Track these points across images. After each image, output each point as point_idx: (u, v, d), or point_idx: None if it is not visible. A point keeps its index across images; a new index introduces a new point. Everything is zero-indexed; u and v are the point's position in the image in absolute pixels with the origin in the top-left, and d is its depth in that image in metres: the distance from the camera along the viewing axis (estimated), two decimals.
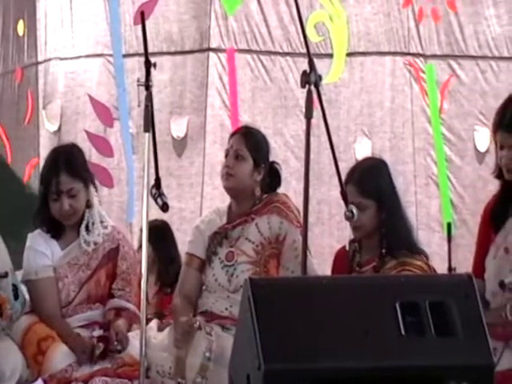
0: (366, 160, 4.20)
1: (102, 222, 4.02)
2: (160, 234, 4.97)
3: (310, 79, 3.41)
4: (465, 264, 3.86)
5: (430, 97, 6.32)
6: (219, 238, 4.02)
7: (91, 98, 6.39)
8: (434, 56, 6.33)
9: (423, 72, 6.34)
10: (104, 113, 6.39)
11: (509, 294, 3.57)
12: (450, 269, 3.56)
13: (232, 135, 4.11)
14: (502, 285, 3.10)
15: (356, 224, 3.77)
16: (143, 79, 3.50)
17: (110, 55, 6.38)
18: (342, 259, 3.93)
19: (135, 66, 6.26)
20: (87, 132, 6.38)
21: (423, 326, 2.92)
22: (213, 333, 3.71)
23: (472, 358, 2.92)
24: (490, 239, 3.71)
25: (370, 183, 3.79)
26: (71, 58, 6.47)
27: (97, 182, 4.11)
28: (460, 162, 6.28)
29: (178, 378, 3.74)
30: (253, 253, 3.95)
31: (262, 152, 4.03)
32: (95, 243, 4.00)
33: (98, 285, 3.99)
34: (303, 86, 3.43)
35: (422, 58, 6.34)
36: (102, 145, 6.38)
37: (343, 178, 3.75)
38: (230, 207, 4.10)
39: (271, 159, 4.08)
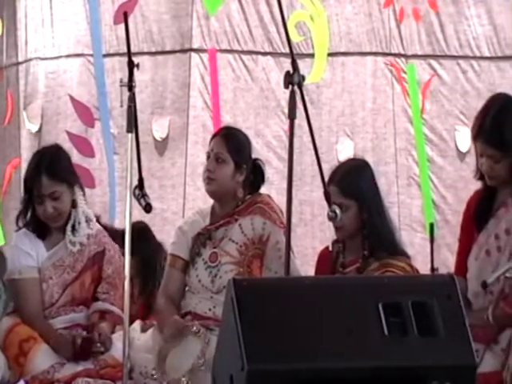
0: (349, 161, 4.22)
1: (87, 221, 4.01)
2: (139, 236, 4.95)
3: (294, 80, 3.42)
4: (447, 264, 3.88)
5: (411, 97, 6.34)
6: (203, 238, 4.02)
7: (72, 99, 6.37)
8: (416, 56, 6.35)
9: (404, 72, 6.35)
10: (85, 113, 6.37)
11: (490, 296, 3.59)
12: (432, 269, 3.58)
13: (212, 138, 4.11)
14: (484, 285, 3.12)
15: (338, 224, 3.78)
16: (125, 79, 3.49)
17: (91, 55, 6.36)
18: (325, 260, 3.94)
19: (116, 65, 6.24)
20: (68, 132, 6.35)
21: (406, 326, 2.93)
22: (207, 340, 3.70)
23: (454, 358, 2.94)
24: (472, 237, 3.72)
25: (351, 184, 3.81)
26: (52, 58, 6.45)
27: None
28: (442, 162, 6.30)
29: (158, 373, 3.74)
30: (236, 253, 3.96)
31: (244, 153, 4.03)
32: (81, 243, 3.99)
33: (83, 287, 3.98)
34: (286, 87, 3.44)
35: (403, 58, 6.36)
36: (83, 145, 6.36)
37: (326, 178, 3.75)
38: (213, 208, 4.11)
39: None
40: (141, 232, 4.84)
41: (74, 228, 3.97)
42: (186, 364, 3.70)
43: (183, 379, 3.69)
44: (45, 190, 3.93)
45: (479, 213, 3.70)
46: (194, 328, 3.75)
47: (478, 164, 3.69)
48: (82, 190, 4.05)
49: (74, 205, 3.97)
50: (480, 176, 3.71)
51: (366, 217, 3.79)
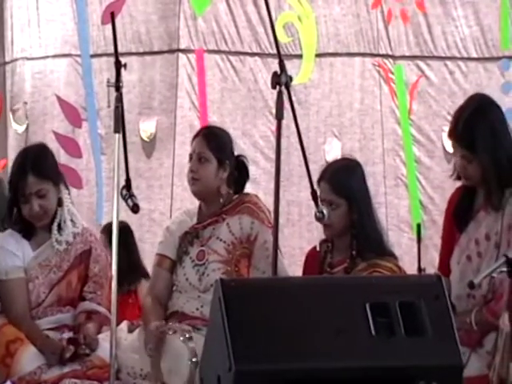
0: (341, 160, 4.23)
1: (72, 220, 4.00)
2: (123, 236, 4.94)
3: (281, 80, 3.42)
4: (434, 264, 3.88)
5: (399, 98, 6.35)
6: (190, 237, 4.02)
7: (59, 99, 6.35)
8: (403, 57, 6.36)
9: (392, 73, 6.37)
10: (72, 113, 6.35)
11: (473, 300, 3.60)
12: (419, 269, 3.58)
13: (194, 138, 4.12)
14: (471, 285, 3.12)
15: (327, 222, 3.78)
16: (112, 79, 3.48)
17: (78, 55, 6.34)
18: (313, 260, 3.94)
19: (103, 66, 6.23)
20: (55, 133, 6.33)
21: (393, 326, 2.93)
22: (197, 336, 3.68)
23: (441, 358, 2.94)
24: (454, 237, 3.73)
25: (342, 182, 3.81)
26: (38, 58, 6.43)
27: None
28: (429, 163, 6.31)
29: (157, 382, 3.73)
30: (224, 252, 3.96)
31: (225, 149, 4.04)
32: (67, 242, 3.98)
33: (69, 287, 3.96)
34: (274, 87, 3.44)
35: (390, 59, 6.37)
36: (71, 145, 6.34)
37: (313, 179, 3.75)
38: (199, 208, 4.10)
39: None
40: (123, 231, 4.84)
41: (59, 227, 3.96)
42: (180, 366, 3.68)
43: None
44: (31, 188, 3.92)
45: (459, 212, 3.71)
46: (171, 331, 3.73)
47: (454, 163, 3.71)
48: (67, 189, 4.04)
49: (59, 203, 3.96)
50: (457, 176, 3.72)
51: (355, 217, 3.79)
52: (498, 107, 3.71)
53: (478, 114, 3.63)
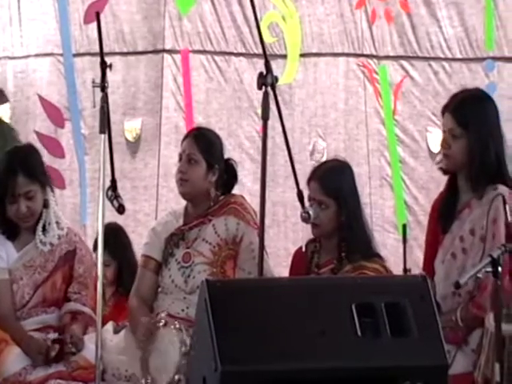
0: (331, 161, 4.24)
1: (57, 222, 3.99)
2: (116, 236, 4.94)
3: (267, 81, 3.42)
4: (420, 265, 3.89)
5: (383, 98, 6.36)
6: (176, 239, 4.02)
7: (41, 98, 6.33)
8: (388, 57, 6.37)
9: (377, 73, 6.38)
10: (55, 113, 6.33)
11: (458, 298, 3.62)
12: (405, 270, 3.59)
13: (184, 139, 4.11)
14: (457, 285, 3.13)
15: (315, 221, 3.79)
16: (96, 79, 3.47)
17: (60, 55, 6.32)
18: (300, 260, 3.94)
19: (86, 65, 6.20)
20: (37, 133, 6.31)
21: (379, 326, 2.94)
22: (182, 327, 3.69)
23: (426, 358, 2.96)
24: (438, 239, 3.75)
25: (332, 182, 3.82)
26: (20, 58, 6.40)
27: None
28: (413, 163, 6.33)
29: (145, 379, 3.72)
30: (210, 253, 3.95)
31: (215, 153, 4.03)
32: (51, 244, 3.97)
33: (54, 288, 3.96)
34: (259, 88, 3.44)
35: (375, 59, 6.38)
36: (53, 146, 6.32)
37: (301, 177, 3.76)
38: (186, 209, 4.10)
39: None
40: (116, 232, 4.83)
41: (44, 228, 3.95)
42: (173, 360, 3.68)
43: (176, 377, 3.67)
44: (20, 189, 3.91)
45: (443, 214, 3.73)
46: (162, 321, 3.73)
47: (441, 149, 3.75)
48: (53, 191, 4.03)
49: (45, 205, 3.95)
50: (444, 171, 3.74)
51: (344, 218, 3.80)
52: (495, 106, 3.76)
53: (477, 99, 3.71)
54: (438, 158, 3.77)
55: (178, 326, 3.68)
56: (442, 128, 3.77)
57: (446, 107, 3.73)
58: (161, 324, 3.72)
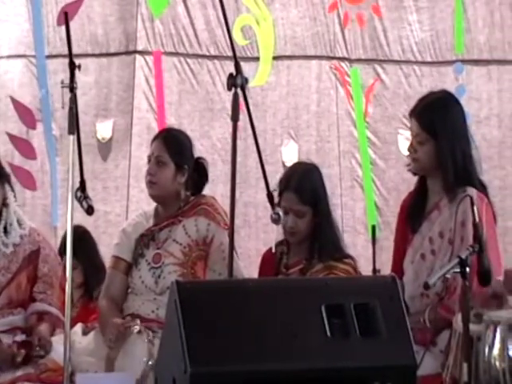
0: (300, 165, 4.22)
1: (19, 222, 3.96)
2: (81, 239, 4.91)
3: (237, 82, 3.42)
4: (389, 266, 3.91)
5: (355, 100, 6.39)
6: (146, 240, 4.01)
7: (13, 100, 6.29)
8: (359, 60, 6.40)
9: (348, 76, 6.40)
10: (26, 115, 6.30)
11: (427, 300, 3.64)
12: (374, 271, 3.61)
13: (153, 140, 4.11)
14: (426, 286, 3.15)
15: (293, 230, 3.80)
16: (67, 81, 3.46)
17: (33, 56, 6.29)
18: (269, 261, 3.95)
19: (59, 67, 6.18)
20: (9, 134, 6.27)
21: (348, 327, 2.95)
22: (155, 341, 3.67)
23: (395, 358, 2.97)
24: (407, 238, 3.77)
25: (308, 190, 3.82)
26: None
27: (19, 185, 4.04)
28: (384, 165, 6.36)
29: None
30: (180, 254, 3.95)
31: (184, 153, 4.03)
32: (14, 244, 3.93)
33: (19, 288, 3.93)
34: (229, 89, 3.44)
35: (347, 62, 6.41)
36: (25, 147, 6.29)
37: (272, 181, 3.76)
38: (156, 210, 4.10)
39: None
40: (82, 235, 4.80)
41: (5, 230, 3.91)
42: (136, 367, 3.67)
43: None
44: None
45: (412, 214, 3.75)
46: (137, 328, 3.72)
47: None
48: (13, 190, 3.99)
49: (4, 203, 3.91)
50: (413, 173, 3.76)
51: (318, 221, 3.82)
52: (461, 107, 3.78)
53: (442, 102, 3.72)
54: (407, 160, 3.79)
55: (150, 337, 3.67)
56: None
57: (412, 112, 3.75)
58: (135, 331, 3.71)
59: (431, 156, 3.66)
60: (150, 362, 3.63)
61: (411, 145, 3.71)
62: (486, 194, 3.72)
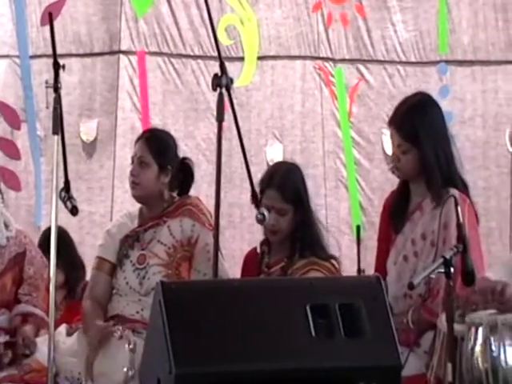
0: (282, 164, 4.22)
1: (5, 224, 3.94)
2: (59, 238, 4.89)
3: (221, 82, 3.42)
4: (374, 266, 3.92)
5: (339, 101, 6.40)
6: (131, 240, 4.00)
7: None
8: (343, 60, 6.41)
9: (333, 76, 6.41)
10: (11, 115, 6.28)
11: (410, 301, 3.64)
12: (359, 271, 3.61)
13: (136, 141, 4.10)
14: (410, 286, 3.15)
15: (275, 228, 3.79)
16: (51, 81, 3.45)
17: (17, 56, 6.27)
18: (251, 261, 3.95)
19: (43, 67, 6.16)
20: None
21: (333, 327, 2.95)
22: (138, 350, 3.65)
23: (380, 358, 2.98)
24: (390, 238, 3.77)
25: (290, 188, 3.82)
26: None
27: (3, 185, 4.03)
28: (369, 165, 6.37)
29: (87, 381, 3.70)
30: (165, 255, 3.95)
31: (168, 154, 4.03)
32: (0, 246, 3.92)
33: (4, 290, 3.91)
34: (214, 89, 3.44)
35: (331, 62, 6.42)
36: (9, 147, 6.27)
37: (257, 181, 3.76)
38: (140, 210, 4.09)
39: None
40: (62, 236, 4.78)
41: None
42: (115, 372, 3.65)
43: None
44: None
45: (395, 215, 3.75)
46: (118, 333, 3.71)
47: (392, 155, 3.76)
48: (0, 192, 3.98)
49: None
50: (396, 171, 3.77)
51: (299, 219, 3.82)
52: (439, 107, 3.77)
53: (420, 107, 3.70)
54: (390, 161, 3.78)
55: (132, 346, 3.66)
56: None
57: (391, 121, 3.72)
58: (116, 335, 3.69)
59: (415, 163, 3.65)
60: (131, 373, 3.62)
61: (394, 154, 3.69)
62: (468, 194, 3.73)
